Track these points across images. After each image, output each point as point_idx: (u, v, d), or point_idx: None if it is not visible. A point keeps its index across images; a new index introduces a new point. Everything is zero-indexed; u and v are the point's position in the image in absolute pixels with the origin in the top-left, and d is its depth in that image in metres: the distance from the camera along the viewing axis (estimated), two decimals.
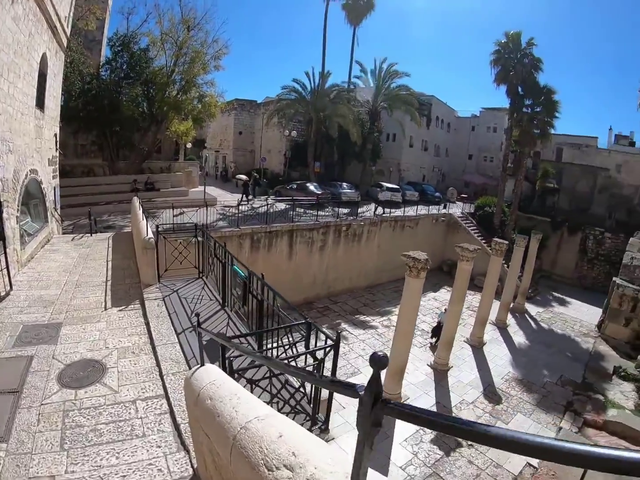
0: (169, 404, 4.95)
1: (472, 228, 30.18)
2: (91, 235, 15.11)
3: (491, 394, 15.26)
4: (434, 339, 18.54)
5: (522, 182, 30.02)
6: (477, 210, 32.27)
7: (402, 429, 12.18)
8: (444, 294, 25.36)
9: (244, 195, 26.44)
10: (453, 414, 14.05)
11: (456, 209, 32.24)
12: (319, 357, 4.23)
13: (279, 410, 3.61)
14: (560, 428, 13.93)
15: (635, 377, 17.16)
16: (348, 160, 37.40)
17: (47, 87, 12.79)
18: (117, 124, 24.25)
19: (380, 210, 26.06)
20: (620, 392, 16.47)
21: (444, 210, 30.96)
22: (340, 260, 22.76)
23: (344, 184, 29.96)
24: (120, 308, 8.04)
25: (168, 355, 6.06)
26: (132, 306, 8.17)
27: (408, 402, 13.47)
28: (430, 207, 30.47)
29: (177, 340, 6.60)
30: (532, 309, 25.23)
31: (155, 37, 24.81)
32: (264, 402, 2.80)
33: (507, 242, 19.79)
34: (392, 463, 11.05)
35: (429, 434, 12.27)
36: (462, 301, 16.71)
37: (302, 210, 21.54)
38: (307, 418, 4.48)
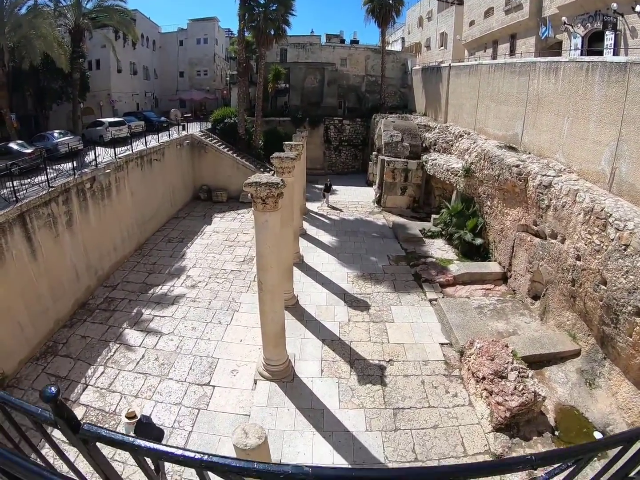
0: None
1: (218, 144, 28.02)
2: None
3: (355, 302, 14.29)
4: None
5: (262, 85, 28.28)
6: (216, 125, 29.94)
7: None
8: (225, 223, 22.51)
9: None
10: (347, 342, 11.77)
11: (194, 129, 28.36)
12: None
13: None
14: (432, 301, 13.52)
15: (440, 233, 18.44)
16: (48, 104, 28.18)
17: None
18: None
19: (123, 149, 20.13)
20: (438, 248, 17.69)
21: (184, 132, 27.54)
22: (97, 230, 16.65)
23: (55, 133, 21.77)
24: None
25: None
26: None
27: (296, 360, 11.29)
28: (169, 132, 26.82)
29: None
30: (310, 206, 25.01)
31: None
32: None
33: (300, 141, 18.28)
34: None
35: None
36: (292, 221, 13.89)
37: (14, 184, 13.51)
38: None
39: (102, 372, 11.08)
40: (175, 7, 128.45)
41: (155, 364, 11.34)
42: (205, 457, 0.96)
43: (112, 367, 11.33)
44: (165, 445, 1.05)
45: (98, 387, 10.58)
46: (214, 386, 10.38)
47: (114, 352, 11.89)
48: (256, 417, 9.22)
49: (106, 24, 27.64)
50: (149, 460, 1.36)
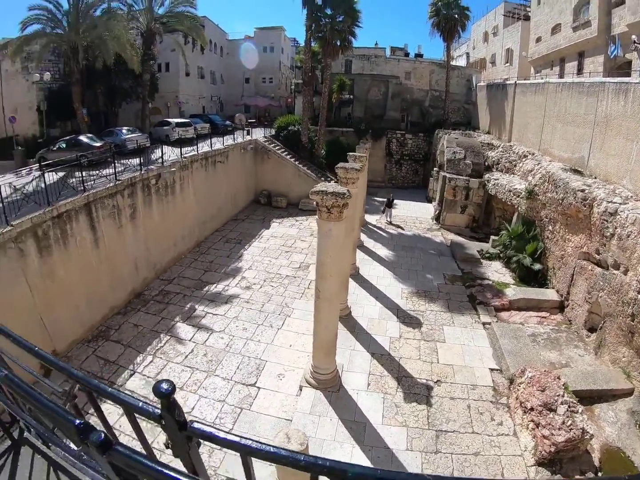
0: None
1: (281, 150, 28.79)
2: None
3: (407, 318, 14.30)
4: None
5: (327, 95, 28.93)
6: (280, 132, 30.65)
7: None
8: (283, 229, 23.15)
9: None
10: (396, 358, 11.84)
11: (258, 134, 29.34)
12: None
13: None
14: (485, 324, 13.29)
15: (498, 255, 18.02)
16: (118, 102, 30.31)
17: None
18: None
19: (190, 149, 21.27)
20: (495, 271, 17.29)
21: (248, 137, 28.43)
22: (159, 225, 17.60)
23: (124, 129, 23.38)
24: None
25: None
26: None
27: (344, 371, 11.42)
28: (233, 136, 27.66)
29: None
30: (368, 218, 25.09)
31: None
32: None
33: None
34: None
35: None
36: (353, 232, 14.22)
37: (83, 175, 14.46)
38: None
39: (151, 361, 11.65)
40: (242, 15, 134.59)
41: (204, 360, 11.83)
42: (321, 462, 1.06)
43: (160, 357, 11.87)
44: (275, 447, 1.14)
45: (145, 375, 11.10)
46: (259, 387, 10.75)
47: (164, 344, 12.45)
48: (298, 423, 9.51)
49: (176, 29, 29.01)
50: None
